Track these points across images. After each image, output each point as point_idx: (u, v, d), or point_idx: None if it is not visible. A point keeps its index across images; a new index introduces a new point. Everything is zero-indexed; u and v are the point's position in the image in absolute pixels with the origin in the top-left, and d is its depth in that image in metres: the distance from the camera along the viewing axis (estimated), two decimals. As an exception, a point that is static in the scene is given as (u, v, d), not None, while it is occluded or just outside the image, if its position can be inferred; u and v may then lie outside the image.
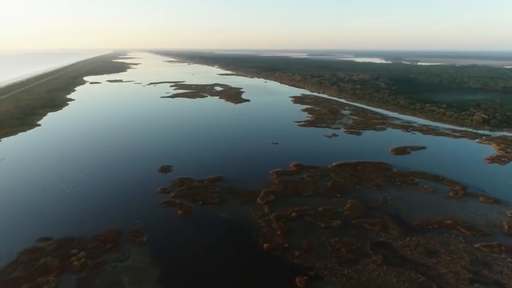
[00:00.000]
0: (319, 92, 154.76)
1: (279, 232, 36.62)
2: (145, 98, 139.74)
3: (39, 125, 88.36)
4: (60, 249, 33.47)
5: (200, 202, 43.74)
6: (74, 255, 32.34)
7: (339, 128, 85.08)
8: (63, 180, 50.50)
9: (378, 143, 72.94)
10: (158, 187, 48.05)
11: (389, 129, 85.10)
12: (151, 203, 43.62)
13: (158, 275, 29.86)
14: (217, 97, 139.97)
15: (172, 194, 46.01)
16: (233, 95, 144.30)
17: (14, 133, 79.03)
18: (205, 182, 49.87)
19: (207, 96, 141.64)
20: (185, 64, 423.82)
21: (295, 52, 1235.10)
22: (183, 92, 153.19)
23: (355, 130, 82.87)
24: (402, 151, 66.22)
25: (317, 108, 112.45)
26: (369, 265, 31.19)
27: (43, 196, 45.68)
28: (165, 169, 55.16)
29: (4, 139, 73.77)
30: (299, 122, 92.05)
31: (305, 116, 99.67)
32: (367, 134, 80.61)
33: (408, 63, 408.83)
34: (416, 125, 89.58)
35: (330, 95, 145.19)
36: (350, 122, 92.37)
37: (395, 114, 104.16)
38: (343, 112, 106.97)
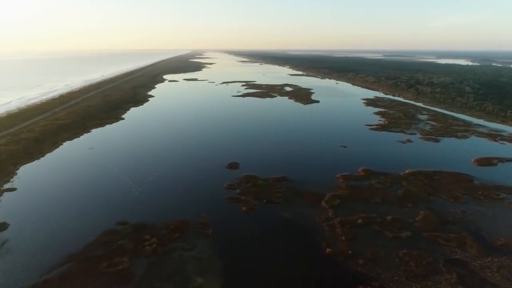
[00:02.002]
0: (394, 95, 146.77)
1: (343, 238, 35.56)
2: (217, 96, 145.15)
3: (123, 118, 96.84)
4: (134, 233, 36.34)
5: (264, 201, 44.23)
6: (146, 240, 34.89)
7: (414, 134, 79.81)
8: (143, 172, 54.62)
9: (458, 152, 66.92)
10: (225, 183, 49.60)
11: (472, 137, 77.61)
12: (217, 198, 45.26)
13: (221, 268, 30.86)
14: (287, 97, 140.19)
15: (238, 191, 47.19)
16: (302, 95, 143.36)
17: (102, 125, 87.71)
18: (270, 181, 50.31)
19: (276, 96, 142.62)
20: (257, 64, 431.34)
21: (370, 52, 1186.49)
22: (254, 91, 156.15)
23: (433, 137, 77.00)
24: (487, 162, 59.96)
25: (391, 112, 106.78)
26: (441, 283, 28.80)
27: (124, 184, 49.82)
28: (233, 166, 56.77)
29: (94, 130, 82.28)
30: (370, 125, 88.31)
31: (378, 120, 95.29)
32: (447, 141, 74.42)
33: (499, 65, 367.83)
34: (506, 134, 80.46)
35: (406, 99, 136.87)
36: (427, 128, 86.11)
37: (481, 121, 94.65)
38: (420, 116, 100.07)
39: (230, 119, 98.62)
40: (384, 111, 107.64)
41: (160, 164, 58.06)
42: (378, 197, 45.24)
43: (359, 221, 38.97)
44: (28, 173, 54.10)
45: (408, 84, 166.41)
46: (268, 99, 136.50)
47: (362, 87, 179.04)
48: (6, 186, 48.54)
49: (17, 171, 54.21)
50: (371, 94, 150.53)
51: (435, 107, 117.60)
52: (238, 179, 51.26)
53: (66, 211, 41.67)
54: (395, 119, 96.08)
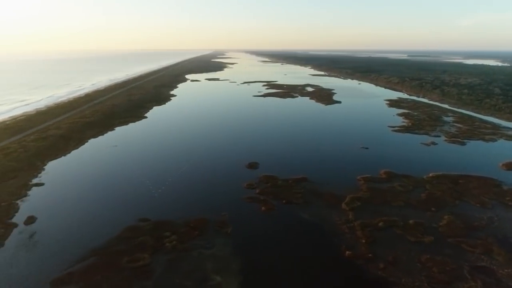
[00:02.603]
0: (418, 96, 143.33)
1: (363, 241, 35.01)
2: (238, 96, 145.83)
3: (146, 117, 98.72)
4: (155, 230, 36.96)
5: (283, 201, 44.10)
6: (166, 237, 35.42)
7: (439, 136, 77.65)
8: (164, 170, 55.51)
9: (486, 155, 64.63)
10: (245, 183, 49.73)
11: (501, 141, 74.78)
12: (237, 197, 45.43)
13: (239, 267, 30.95)
14: (308, 97, 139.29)
15: (257, 191, 47.22)
16: (324, 96, 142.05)
17: (126, 123, 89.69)
18: (289, 181, 50.11)
19: (297, 97, 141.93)
20: (279, 64, 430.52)
21: (393, 52, 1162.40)
22: (275, 91, 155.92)
23: (459, 140, 74.67)
24: (516, 166, 57.66)
25: (415, 113, 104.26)
26: (466, 291, 27.91)
27: (145, 182, 50.74)
28: (252, 166, 56.87)
29: (118, 128, 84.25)
30: (393, 127, 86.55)
31: (401, 121, 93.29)
32: (473, 144, 72.00)
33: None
34: (537, 138, 77.12)
35: (431, 100, 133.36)
36: (453, 130, 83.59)
37: (510, 124, 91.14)
38: (445, 118, 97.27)
39: (251, 118, 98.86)
40: (408, 113, 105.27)
41: (182, 162, 58.80)
42: (400, 200, 44.29)
43: (380, 224, 38.27)
44: (54, 169, 55.93)
45: (433, 85, 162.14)
46: (289, 99, 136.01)
47: (385, 87, 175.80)
48: (34, 181, 50.36)
49: (45, 167, 56.14)
50: (395, 95, 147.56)
51: (462, 109, 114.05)
52: (258, 179, 51.29)
53: (90, 206, 42.85)
54: (419, 120, 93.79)
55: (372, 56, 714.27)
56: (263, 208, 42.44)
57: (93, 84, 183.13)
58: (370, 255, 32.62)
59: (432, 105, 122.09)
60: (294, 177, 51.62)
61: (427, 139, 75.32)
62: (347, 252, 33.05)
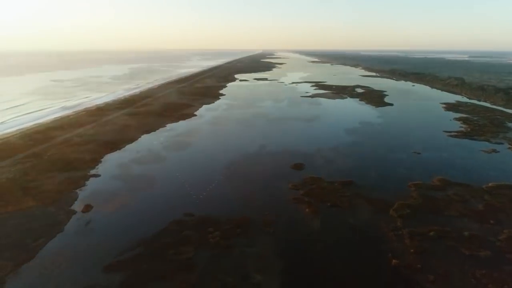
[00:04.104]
0: (479, 100, 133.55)
1: (412, 250, 33.30)
2: (286, 96, 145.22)
3: (195, 115, 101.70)
4: (200, 225, 37.95)
5: (328, 204, 43.22)
6: (210, 232, 36.20)
7: (501, 143, 71.74)
8: (211, 169, 56.87)
9: (556, 166, 58.72)
10: (290, 184, 49.46)
11: None
12: (281, 198, 45.27)
13: (280, 267, 30.82)
14: (357, 99, 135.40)
15: (302, 192, 46.68)
16: (374, 97, 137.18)
17: (176, 120, 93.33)
18: (336, 184, 49.00)
19: (346, 98, 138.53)
20: (328, 64, 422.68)
21: (452, 53, 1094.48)
22: (323, 92, 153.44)
23: (525, 148, 68.50)
24: None
25: (475, 118, 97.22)
26: (527, 313, 25.54)
27: (193, 179, 52.35)
28: (298, 167, 56.36)
29: (169, 125, 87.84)
30: (449, 132, 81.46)
31: (458, 126, 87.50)
32: (542, 154, 65.70)
33: None
34: None
35: (494, 104, 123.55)
36: (518, 137, 76.86)
37: None
38: (510, 125, 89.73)
39: (297, 119, 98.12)
40: (467, 117, 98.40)
41: (229, 161, 59.85)
42: (454, 210, 41.58)
43: (431, 234, 36.18)
44: (110, 162, 59.51)
45: (496, 88, 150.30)
46: (338, 100, 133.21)
47: (442, 90, 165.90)
48: (92, 172, 54.02)
49: (101, 160, 59.95)
50: (452, 98, 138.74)
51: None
52: (303, 180, 50.74)
53: (140, 198, 45.07)
54: (479, 126, 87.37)
55: (428, 56, 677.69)
56: (307, 210, 41.90)
57: (148, 82, 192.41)
58: (418, 265, 30.93)
59: (494, 109, 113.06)
60: (341, 180, 50.37)
61: (488, 146, 69.85)
62: (393, 261, 31.61)
